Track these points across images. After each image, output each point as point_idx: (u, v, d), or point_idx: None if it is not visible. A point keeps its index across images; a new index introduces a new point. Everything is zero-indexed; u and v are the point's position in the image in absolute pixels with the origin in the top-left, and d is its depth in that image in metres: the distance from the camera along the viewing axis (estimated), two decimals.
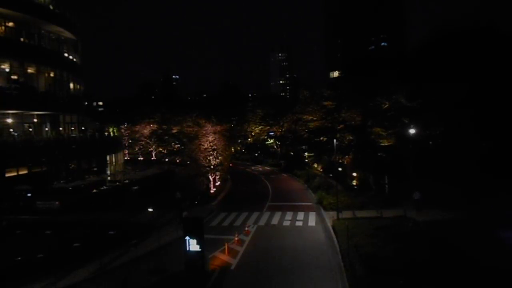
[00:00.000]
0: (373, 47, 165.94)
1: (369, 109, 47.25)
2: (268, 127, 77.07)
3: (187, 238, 19.51)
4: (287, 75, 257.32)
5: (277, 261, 21.57)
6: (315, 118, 57.03)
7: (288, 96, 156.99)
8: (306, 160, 62.37)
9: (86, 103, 77.14)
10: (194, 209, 33.59)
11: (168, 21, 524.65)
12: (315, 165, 58.13)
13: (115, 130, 60.09)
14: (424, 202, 30.40)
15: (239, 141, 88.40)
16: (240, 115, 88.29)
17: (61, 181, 40.86)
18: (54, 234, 26.48)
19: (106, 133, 56.60)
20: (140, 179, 46.08)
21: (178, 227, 25.74)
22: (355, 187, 39.74)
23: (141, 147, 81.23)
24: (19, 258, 21.36)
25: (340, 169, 44.69)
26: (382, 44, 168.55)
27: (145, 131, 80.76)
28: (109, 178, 47.55)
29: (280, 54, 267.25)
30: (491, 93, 36.52)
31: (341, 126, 51.92)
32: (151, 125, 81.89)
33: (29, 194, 35.39)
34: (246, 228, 27.84)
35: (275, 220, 31.02)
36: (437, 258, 19.04)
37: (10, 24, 40.94)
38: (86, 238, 24.76)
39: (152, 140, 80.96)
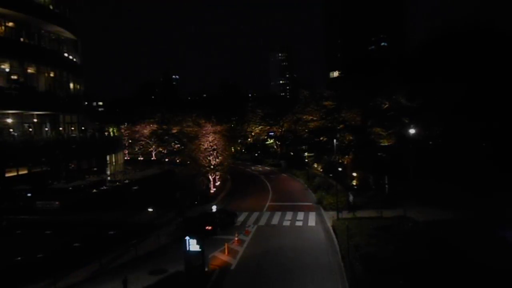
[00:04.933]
0: (373, 47, 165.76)
1: (369, 109, 47.35)
2: (268, 127, 77.01)
3: (187, 238, 19.51)
4: (287, 75, 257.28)
5: (277, 261, 21.59)
6: (315, 118, 57.08)
7: (288, 96, 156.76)
8: (306, 160, 62.34)
9: (86, 103, 77.09)
10: (194, 209, 33.57)
11: (168, 21, 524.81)
12: (315, 165, 58.10)
13: (115, 130, 60.01)
14: (357, 204, 31.48)
15: (239, 141, 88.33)
16: (240, 115, 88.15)
17: (61, 181, 40.86)
18: (54, 234, 26.49)
19: (106, 133, 56.53)
20: (140, 179, 46.07)
21: (178, 227, 25.74)
22: (355, 187, 39.72)
23: (141, 147, 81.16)
24: (19, 258, 21.36)
25: (340, 169, 44.68)
26: (382, 44, 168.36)
27: (145, 131, 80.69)
28: (109, 178, 47.54)
29: (280, 54, 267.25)
30: (491, 93, 36.53)
31: (341, 126, 51.98)
32: (151, 125, 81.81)
33: (29, 194, 35.38)
34: (246, 228, 27.84)
35: (275, 220, 31.02)
36: (437, 258, 19.04)
37: (10, 24, 40.91)
38: (86, 238, 24.77)
39: (152, 140, 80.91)
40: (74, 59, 52.52)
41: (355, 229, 24.06)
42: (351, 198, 32.56)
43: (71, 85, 51.20)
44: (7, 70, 40.79)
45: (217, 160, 44.14)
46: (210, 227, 26.85)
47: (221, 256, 22.50)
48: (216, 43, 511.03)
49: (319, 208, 34.56)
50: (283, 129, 73.74)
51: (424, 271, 17.60)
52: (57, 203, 33.67)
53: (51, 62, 46.28)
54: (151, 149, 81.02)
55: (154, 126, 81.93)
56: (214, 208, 30.82)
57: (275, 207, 35.90)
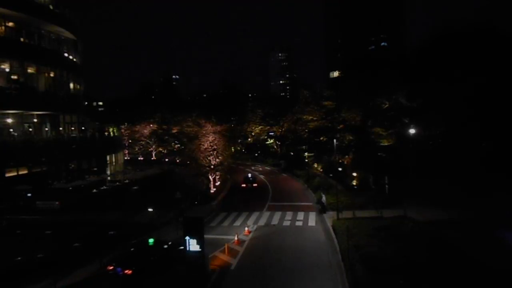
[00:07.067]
0: (373, 47, 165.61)
1: (369, 109, 47.36)
2: (268, 127, 77.08)
3: (187, 238, 19.49)
4: (287, 75, 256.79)
5: (277, 261, 21.59)
6: (315, 118, 57.07)
7: (288, 96, 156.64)
8: (306, 160, 62.34)
9: (86, 103, 77.10)
10: (194, 209, 33.57)
11: (168, 21, 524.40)
12: (315, 165, 58.10)
13: (115, 130, 60.03)
14: (327, 206, 32.38)
15: (239, 141, 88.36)
16: (240, 115, 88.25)
17: (61, 181, 40.85)
18: (54, 234, 26.46)
19: (106, 133, 56.56)
20: (140, 179, 46.06)
21: (178, 227, 25.68)
22: (355, 187, 39.73)
23: (141, 147, 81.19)
24: (19, 258, 21.36)
25: (340, 169, 44.71)
26: (382, 44, 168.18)
27: (145, 131, 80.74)
28: (109, 178, 47.53)
29: (280, 54, 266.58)
30: (492, 93, 36.55)
31: (341, 126, 51.97)
32: (151, 125, 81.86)
33: (29, 194, 35.37)
34: (246, 228, 27.84)
35: (275, 220, 31.03)
36: (437, 258, 19.04)
37: (10, 24, 40.93)
38: (86, 238, 24.75)
39: (152, 140, 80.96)
40: (74, 59, 52.53)
41: (355, 229, 24.06)
42: (323, 198, 33.18)
43: (71, 85, 51.20)
44: (7, 70, 40.79)
45: (217, 160, 44.14)
46: (256, 184, 46.92)
47: (221, 256, 22.51)
48: (216, 43, 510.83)
49: (319, 208, 34.56)
50: (283, 129, 73.77)
51: (424, 271, 17.61)
52: (57, 203, 33.65)
53: (51, 62, 46.28)
54: (151, 149, 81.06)
55: (154, 126, 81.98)
56: (249, 175, 49.95)
57: (275, 207, 35.90)
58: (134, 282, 18.37)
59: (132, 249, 20.72)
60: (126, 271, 18.48)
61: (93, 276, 19.64)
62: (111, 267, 19.03)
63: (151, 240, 21.00)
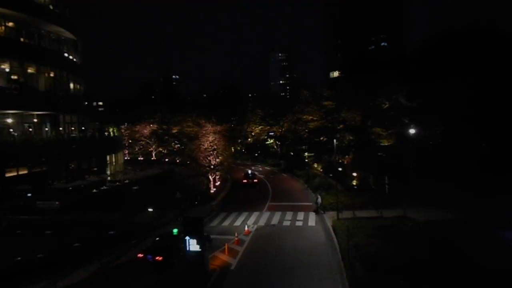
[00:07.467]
0: (373, 47, 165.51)
1: (369, 109, 47.39)
2: (268, 127, 77.08)
3: (187, 238, 19.48)
4: (287, 75, 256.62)
5: (277, 261, 21.59)
6: (315, 118, 57.08)
7: (288, 96, 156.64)
8: (306, 160, 62.32)
9: (86, 103, 77.07)
10: (194, 209, 33.56)
11: (168, 21, 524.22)
12: (315, 165, 58.09)
13: (115, 130, 60.04)
14: (323, 206, 32.91)
15: (239, 141, 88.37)
16: (240, 115, 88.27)
17: (61, 181, 40.84)
18: (54, 234, 26.46)
19: (106, 133, 56.56)
20: (140, 179, 46.06)
21: (178, 227, 25.64)
22: (355, 187, 39.73)
23: (141, 147, 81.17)
24: (19, 258, 21.36)
25: (340, 169, 44.71)
26: (382, 44, 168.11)
27: (145, 131, 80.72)
28: (109, 178, 47.54)
29: (280, 54, 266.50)
30: (491, 93, 36.56)
31: (341, 126, 51.98)
32: (151, 125, 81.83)
33: (29, 194, 35.36)
34: (246, 228, 27.85)
35: (275, 220, 31.03)
36: (437, 258, 19.03)
37: (10, 24, 40.94)
38: (86, 238, 24.75)
39: (152, 140, 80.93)
40: (74, 59, 52.53)
41: (355, 229, 24.04)
42: (319, 200, 33.41)
43: (71, 85, 51.21)
44: (7, 70, 40.80)
45: (217, 160, 44.14)
46: (256, 180, 51.08)
47: (221, 256, 22.51)
48: (216, 43, 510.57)
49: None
50: (283, 129, 73.78)
51: (424, 271, 17.59)
52: (57, 203, 33.64)
53: (51, 62, 46.29)
54: (151, 149, 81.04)
55: (154, 126, 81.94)
56: (250, 171, 53.12)
57: (275, 207, 35.91)
58: (164, 267, 20.25)
59: (157, 239, 22.62)
60: (157, 258, 20.40)
61: (124, 263, 21.46)
62: (141, 255, 20.89)
63: (175, 230, 22.72)
